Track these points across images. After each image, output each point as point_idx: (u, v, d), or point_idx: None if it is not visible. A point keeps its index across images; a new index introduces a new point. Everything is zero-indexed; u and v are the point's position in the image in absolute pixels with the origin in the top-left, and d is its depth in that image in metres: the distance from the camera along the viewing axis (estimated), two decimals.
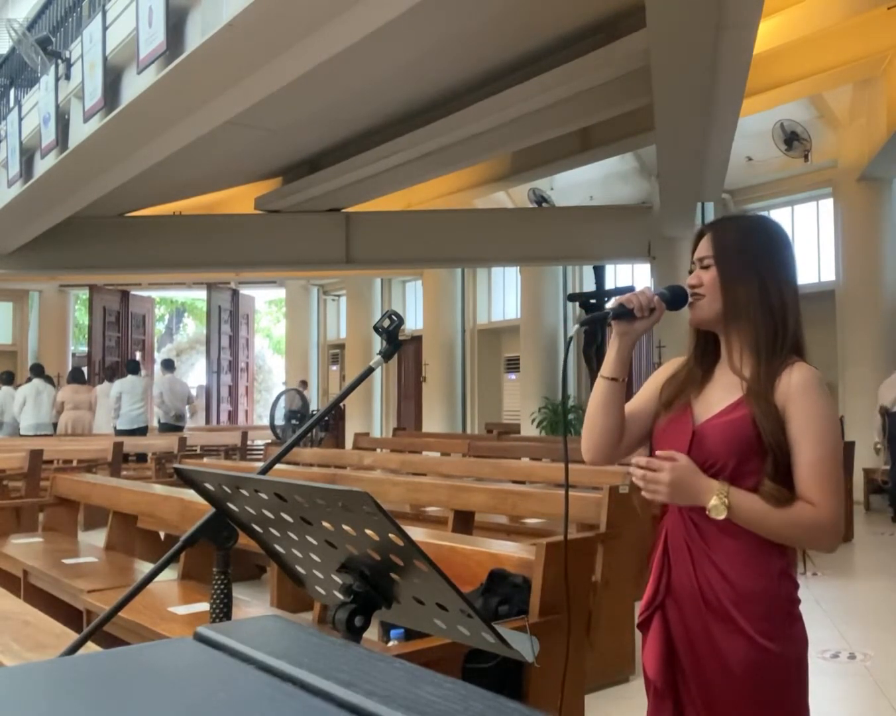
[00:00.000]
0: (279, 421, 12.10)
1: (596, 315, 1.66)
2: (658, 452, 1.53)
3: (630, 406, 1.70)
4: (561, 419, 11.44)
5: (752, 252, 1.59)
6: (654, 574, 1.60)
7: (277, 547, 1.31)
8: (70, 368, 14.23)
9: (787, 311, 1.57)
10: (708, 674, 1.51)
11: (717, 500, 1.46)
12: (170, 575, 3.76)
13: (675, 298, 1.63)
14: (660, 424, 1.63)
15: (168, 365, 11.91)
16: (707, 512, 1.47)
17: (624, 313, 1.61)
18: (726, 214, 1.67)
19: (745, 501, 1.47)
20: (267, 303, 26.25)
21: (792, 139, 10.08)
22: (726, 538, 1.50)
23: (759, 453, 1.49)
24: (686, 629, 1.54)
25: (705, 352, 1.66)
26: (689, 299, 1.62)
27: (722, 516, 1.45)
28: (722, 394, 1.57)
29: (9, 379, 11.76)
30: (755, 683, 1.47)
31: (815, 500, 1.47)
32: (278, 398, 12.72)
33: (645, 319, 1.61)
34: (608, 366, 1.65)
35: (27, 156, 8.72)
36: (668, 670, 1.55)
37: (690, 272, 1.65)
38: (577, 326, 1.65)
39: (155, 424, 12.32)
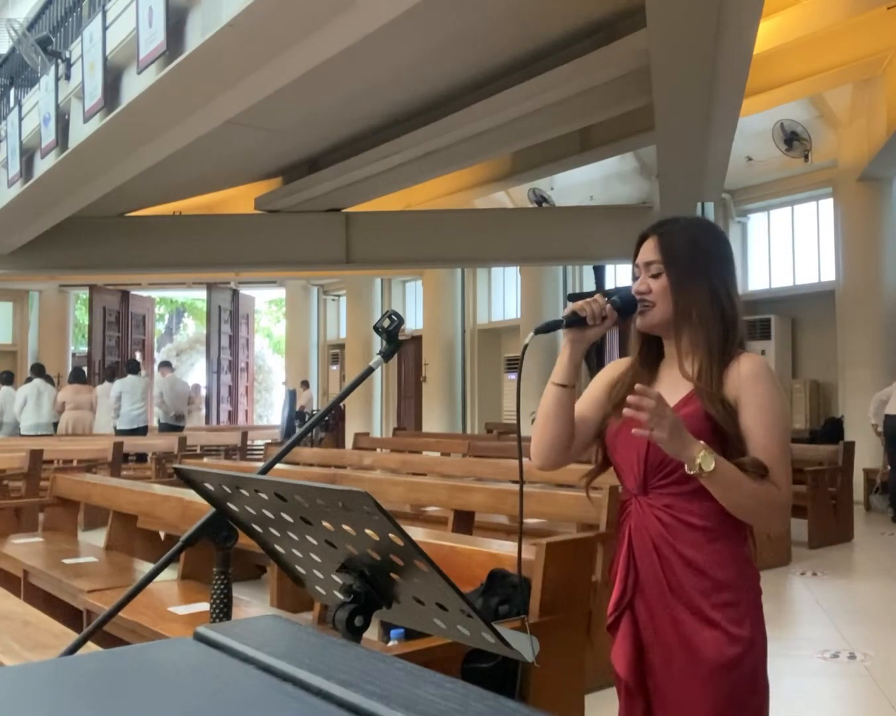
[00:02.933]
0: (284, 421, 12.16)
1: (550, 323, 1.67)
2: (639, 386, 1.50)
3: (576, 409, 1.71)
4: None
5: (701, 257, 1.63)
6: (619, 575, 1.60)
7: (277, 547, 1.31)
8: (70, 369, 14.23)
9: (736, 313, 1.62)
10: (679, 669, 1.52)
11: (705, 451, 1.46)
12: (170, 575, 3.76)
13: (625, 305, 1.65)
14: (612, 427, 1.64)
15: (166, 365, 11.92)
16: (695, 460, 1.45)
17: (577, 321, 1.64)
18: (666, 217, 1.66)
19: (725, 461, 1.48)
20: (267, 303, 26.24)
21: (792, 139, 10.08)
22: (690, 530, 1.53)
23: (715, 444, 1.51)
24: (655, 626, 1.55)
25: (649, 354, 1.69)
26: (639, 307, 1.64)
27: (711, 466, 1.45)
28: (670, 390, 1.58)
29: (9, 379, 11.76)
30: (728, 672, 1.48)
31: (772, 482, 1.51)
32: (293, 399, 12.77)
33: (597, 326, 1.64)
34: (559, 372, 1.68)
35: (27, 156, 8.71)
36: (638, 669, 1.56)
37: (634, 278, 1.66)
38: (531, 334, 1.61)
39: (155, 423, 12.32)
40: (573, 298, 1.68)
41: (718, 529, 1.52)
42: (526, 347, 1.60)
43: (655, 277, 1.63)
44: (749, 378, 1.55)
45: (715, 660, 1.48)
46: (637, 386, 1.47)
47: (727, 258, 1.66)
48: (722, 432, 1.53)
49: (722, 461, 1.47)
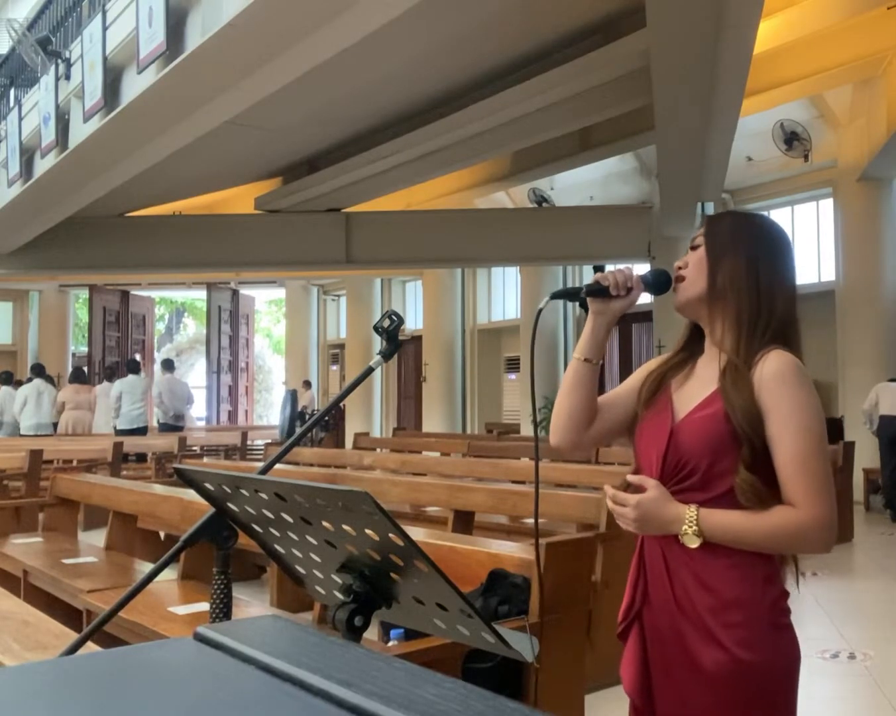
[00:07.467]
0: (283, 421, 12.16)
1: (568, 289, 1.61)
2: (629, 477, 1.48)
3: (608, 394, 1.64)
4: None
5: (744, 235, 1.52)
6: (630, 582, 1.53)
7: (277, 547, 1.31)
8: (71, 368, 14.22)
9: (775, 295, 1.47)
10: (682, 686, 1.43)
11: (686, 528, 1.39)
12: (170, 575, 3.76)
13: (656, 280, 1.56)
14: (641, 420, 1.57)
15: (168, 365, 11.91)
16: (680, 541, 1.42)
17: (599, 290, 1.54)
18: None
19: (718, 524, 1.39)
20: (267, 303, 26.23)
21: (792, 139, 10.08)
22: (705, 545, 1.41)
23: (735, 451, 1.40)
24: (661, 640, 1.46)
25: (688, 350, 1.61)
26: (673, 283, 1.55)
27: (695, 545, 1.39)
28: (700, 387, 1.50)
29: (9, 379, 11.76)
30: (731, 695, 1.37)
31: (798, 500, 1.36)
32: (295, 399, 12.76)
33: (622, 298, 1.54)
34: (582, 346, 1.58)
35: (27, 156, 8.71)
36: (646, 685, 1.49)
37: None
38: (547, 298, 1.53)
39: (155, 423, 12.32)
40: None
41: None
42: (540, 311, 1.52)
43: (695, 249, 1.55)
44: (772, 379, 1.40)
45: (715, 678, 1.37)
46: (605, 487, 1.49)
47: (776, 249, 1.52)
48: (745, 436, 1.39)
49: (712, 524, 1.39)
